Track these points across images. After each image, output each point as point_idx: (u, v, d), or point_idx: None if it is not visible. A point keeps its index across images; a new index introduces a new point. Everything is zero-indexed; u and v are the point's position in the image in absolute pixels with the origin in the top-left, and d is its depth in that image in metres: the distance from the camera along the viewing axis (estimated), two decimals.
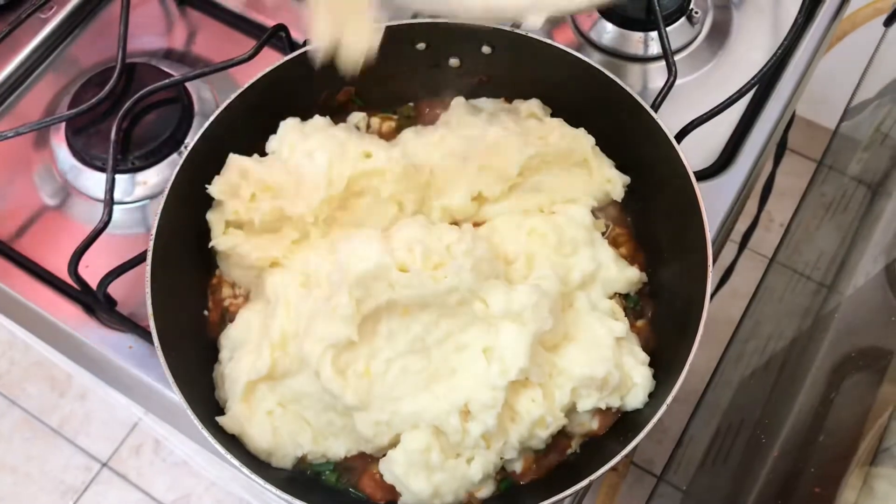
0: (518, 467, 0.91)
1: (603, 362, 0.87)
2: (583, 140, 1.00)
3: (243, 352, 0.91)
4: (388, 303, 0.84)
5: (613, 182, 1.00)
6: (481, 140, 0.98)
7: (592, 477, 0.80)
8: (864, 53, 1.58)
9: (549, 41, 0.97)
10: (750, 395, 1.30)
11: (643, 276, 0.98)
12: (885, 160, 1.60)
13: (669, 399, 0.82)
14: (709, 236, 0.86)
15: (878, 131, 1.64)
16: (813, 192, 1.77)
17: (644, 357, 0.91)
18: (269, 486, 0.77)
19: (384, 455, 0.87)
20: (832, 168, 1.77)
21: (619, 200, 1.01)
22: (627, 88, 0.94)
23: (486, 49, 1.01)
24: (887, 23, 1.24)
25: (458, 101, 1.05)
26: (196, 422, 0.80)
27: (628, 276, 0.97)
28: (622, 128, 0.98)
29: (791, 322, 1.42)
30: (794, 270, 1.67)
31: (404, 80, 1.04)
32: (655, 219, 0.98)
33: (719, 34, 1.21)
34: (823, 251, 1.59)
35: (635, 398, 0.89)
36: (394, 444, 0.86)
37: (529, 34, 0.97)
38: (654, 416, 0.83)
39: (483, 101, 1.07)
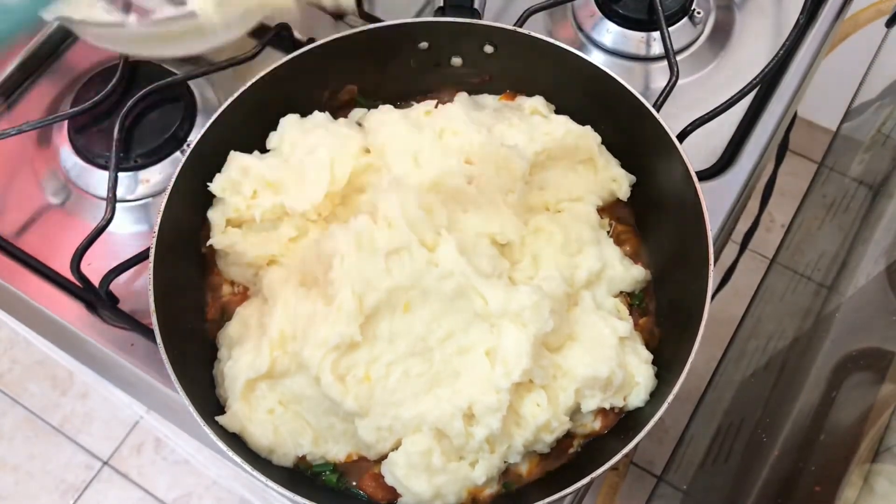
0: (524, 470, 0.91)
1: (606, 362, 0.87)
2: (589, 138, 1.00)
3: (242, 350, 0.91)
4: (389, 293, 0.84)
5: (619, 181, 1.00)
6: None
7: (594, 475, 0.80)
8: (865, 55, 1.58)
9: (551, 40, 0.97)
10: (750, 394, 1.30)
11: (648, 275, 0.98)
12: (887, 161, 1.60)
13: (671, 397, 0.82)
14: (710, 235, 0.86)
15: (879, 132, 1.65)
16: (814, 192, 1.78)
17: (647, 355, 0.91)
18: (271, 482, 0.77)
19: (385, 457, 0.87)
20: (833, 169, 1.77)
21: (625, 200, 1.01)
22: (630, 88, 0.94)
23: (488, 48, 1.01)
24: (889, 24, 1.24)
25: (461, 97, 1.04)
26: (198, 419, 0.80)
27: (633, 274, 0.97)
28: (623, 127, 0.98)
29: (792, 322, 1.42)
30: (794, 271, 1.67)
31: (406, 78, 1.04)
32: (657, 218, 0.99)
33: (721, 35, 1.21)
34: (824, 252, 1.59)
35: (637, 397, 0.89)
36: (396, 448, 0.86)
37: (532, 34, 0.98)
38: (656, 414, 0.83)
39: (485, 98, 1.07)
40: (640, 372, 0.89)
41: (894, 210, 1.40)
